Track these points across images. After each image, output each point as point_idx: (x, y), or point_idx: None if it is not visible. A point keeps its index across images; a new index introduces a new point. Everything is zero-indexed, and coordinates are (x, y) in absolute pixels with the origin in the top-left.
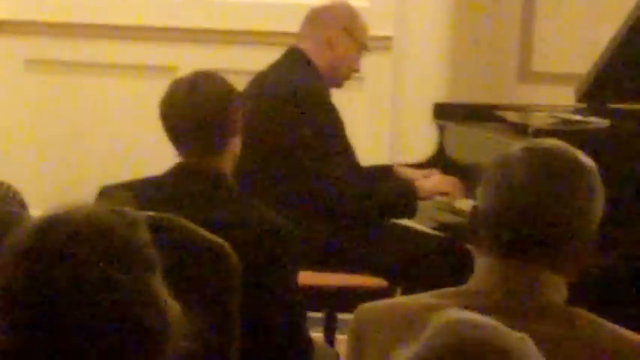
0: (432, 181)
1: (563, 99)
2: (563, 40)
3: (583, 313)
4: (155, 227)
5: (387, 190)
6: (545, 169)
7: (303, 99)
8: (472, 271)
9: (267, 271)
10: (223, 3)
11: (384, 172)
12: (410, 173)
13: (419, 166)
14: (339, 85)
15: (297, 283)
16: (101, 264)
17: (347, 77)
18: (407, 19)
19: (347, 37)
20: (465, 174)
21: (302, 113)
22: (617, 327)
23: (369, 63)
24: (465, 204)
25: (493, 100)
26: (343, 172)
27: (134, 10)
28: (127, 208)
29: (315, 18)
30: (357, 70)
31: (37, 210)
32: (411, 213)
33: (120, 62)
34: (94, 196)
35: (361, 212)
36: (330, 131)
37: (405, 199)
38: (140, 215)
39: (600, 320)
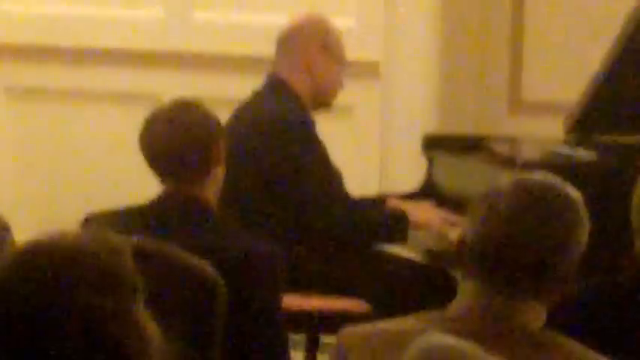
0: (425, 212)
1: (552, 129)
2: (553, 67)
3: (557, 338)
4: (139, 253)
5: (378, 216)
6: (531, 201)
7: (285, 131)
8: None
9: (250, 296)
10: (211, 25)
11: (377, 204)
12: (399, 204)
13: (408, 196)
14: (327, 104)
15: (280, 308)
16: (84, 290)
17: (334, 95)
18: (394, 46)
19: (323, 55)
20: (454, 205)
21: (285, 145)
22: (588, 351)
23: (357, 92)
24: (454, 233)
25: (483, 130)
26: (331, 199)
27: (117, 35)
28: (111, 235)
29: (286, 42)
30: (341, 85)
31: (18, 237)
32: (401, 240)
33: (103, 89)
34: (77, 224)
35: (352, 238)
36: (314, 160)
37: (397, 226)
38: (124, 241)
39: (572, 344)
